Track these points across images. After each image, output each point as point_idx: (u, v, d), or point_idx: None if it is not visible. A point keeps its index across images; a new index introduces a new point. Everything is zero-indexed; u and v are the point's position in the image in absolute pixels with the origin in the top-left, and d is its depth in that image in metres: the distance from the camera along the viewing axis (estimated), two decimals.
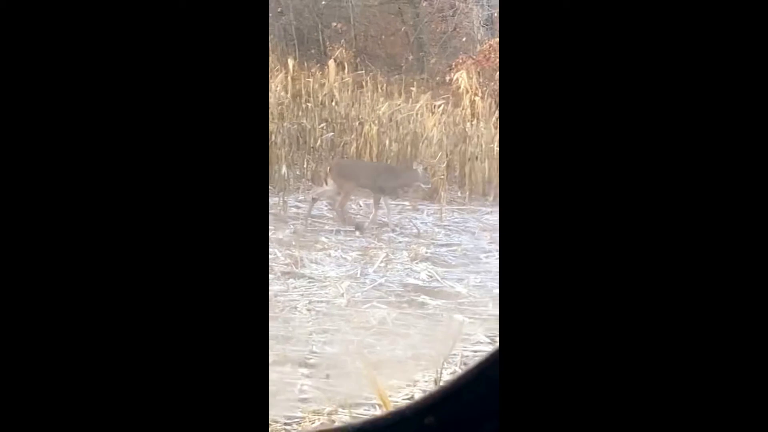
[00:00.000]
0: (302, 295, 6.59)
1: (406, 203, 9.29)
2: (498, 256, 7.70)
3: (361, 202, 9.28)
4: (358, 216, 8.87)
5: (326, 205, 8.89)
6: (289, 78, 11.30)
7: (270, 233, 7.73)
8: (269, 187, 8.46)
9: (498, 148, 10.26)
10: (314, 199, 8.81)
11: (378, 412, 4.45)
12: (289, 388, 4.89)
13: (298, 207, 8.96)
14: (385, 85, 11.67)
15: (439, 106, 11.06)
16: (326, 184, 8.97)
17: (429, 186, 9.41)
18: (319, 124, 10.42)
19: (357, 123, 10.40)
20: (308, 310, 6.26)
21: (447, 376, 4.66)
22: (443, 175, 9.81)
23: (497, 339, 4.93)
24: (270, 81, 10.75)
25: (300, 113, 10.67)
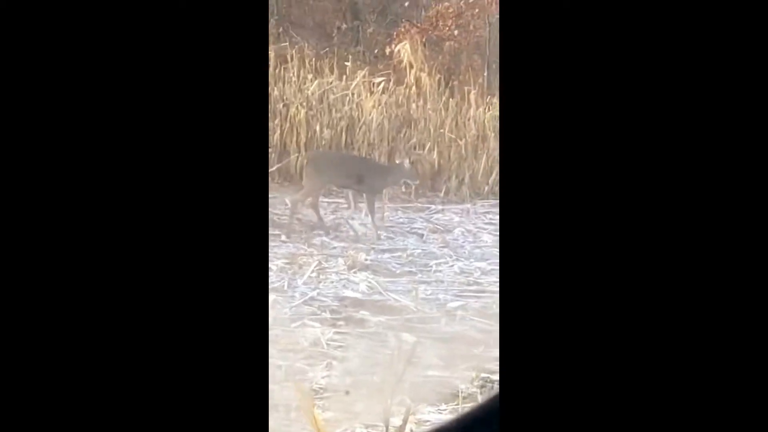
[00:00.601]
0: None
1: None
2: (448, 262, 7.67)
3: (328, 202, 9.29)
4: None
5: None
6: None
7: None
8: None
9: (448, 133, 10.34)
10: (314, 204, 8.76)
11: None
12: None
13: None
14: (313, 59, 11.65)
15: (379, 84, 11.07)
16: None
17: (417, 182, 9.41)
18: None
19: (281, 105, 10.36)
20: None
21: (395, 407, 4.67)
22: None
23: (456, 362, 4.92)
24: None
25: None
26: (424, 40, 12.18)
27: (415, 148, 10.08)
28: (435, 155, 10.14)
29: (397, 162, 9.27)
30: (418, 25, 12.70)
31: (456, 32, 12.35)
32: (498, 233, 8.71)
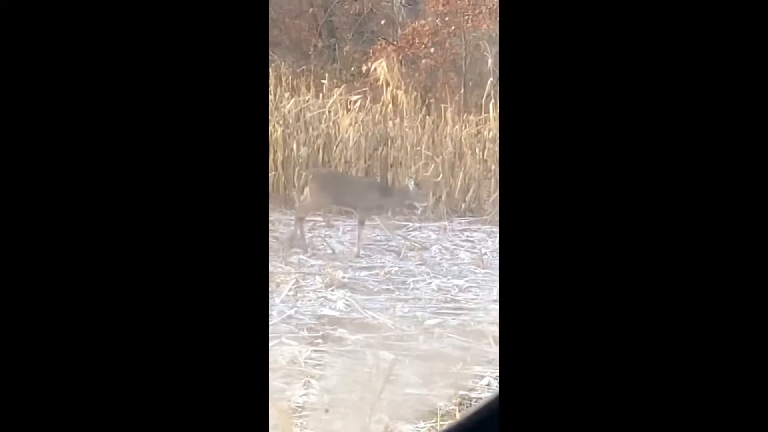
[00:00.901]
0: None
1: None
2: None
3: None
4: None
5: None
6: None
7: None
8: None
9: (425, 151, 10.37)
10: (301, 219, 8.76)
11: None
12: None
13: None
14: (290, 77, 11.68)
15: (356, 101, 11.11)
16: (306, 196, 8.96)
17: (425, 205, 9.45)
18: None
19: None
20: None
21: (374, 425, 4.68)
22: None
23: (435, 380, 4.93)
24: None
25: None
26: (400, 57, 12.24)
27: (419, 170, 10.13)
28: (413, 172, 10.17)
29: (404, 183, 9.32)
30: (395, 43, 12.76)
31: (432, 50, 12.41)
32: (476, 250, 8.70)
